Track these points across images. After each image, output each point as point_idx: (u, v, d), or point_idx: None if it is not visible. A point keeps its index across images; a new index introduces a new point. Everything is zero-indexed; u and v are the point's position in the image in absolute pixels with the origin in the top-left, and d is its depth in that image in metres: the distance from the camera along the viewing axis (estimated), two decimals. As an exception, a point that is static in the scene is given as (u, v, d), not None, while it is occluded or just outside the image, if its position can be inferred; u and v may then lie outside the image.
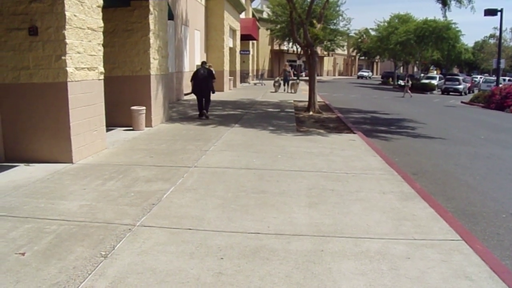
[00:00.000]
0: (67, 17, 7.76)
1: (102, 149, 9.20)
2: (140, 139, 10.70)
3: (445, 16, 20.24)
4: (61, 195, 6.15)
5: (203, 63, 15.77)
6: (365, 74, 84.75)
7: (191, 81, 15.31)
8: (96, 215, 5.39)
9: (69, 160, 8.03)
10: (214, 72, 15.56)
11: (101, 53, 9.11)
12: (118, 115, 11.91)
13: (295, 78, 36.24)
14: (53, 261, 4.13)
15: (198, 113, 15.25)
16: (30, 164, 7.84)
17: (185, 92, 22.87)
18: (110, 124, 10.84)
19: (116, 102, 11.78)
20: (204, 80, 14.75)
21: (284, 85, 31.18)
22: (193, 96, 21.92)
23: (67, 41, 7.82)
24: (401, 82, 47.69)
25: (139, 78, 12.36)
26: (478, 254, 4.52)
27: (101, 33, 9.09)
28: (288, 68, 32.56)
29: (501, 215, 6.36)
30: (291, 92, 29.53)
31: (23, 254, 4.27)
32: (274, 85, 31.21)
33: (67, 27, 7.78)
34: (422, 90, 43.67)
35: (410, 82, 36.54)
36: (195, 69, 23.49)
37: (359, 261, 4.29)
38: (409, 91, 34.83)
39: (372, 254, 4.46)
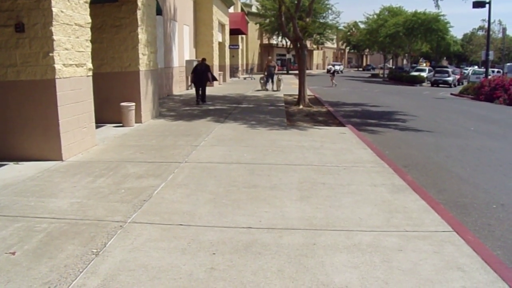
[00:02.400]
0: (54, 13, 7.67)
1: (92, 146, 9.14)
2: (130, 135, 10.64)
3: (437, 5, 20.25)
4: (51, 193, 6.11)
5: (203, 59, 18.88)
6: (336, 67, 68.63)
7: (191, 73, 18.81)
8: (87, 212, 5.36)
9: (59, 158, 7.97)
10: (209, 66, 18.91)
11: (89, 49, 9.04)
12: (107, 111, 11.84)
13: (285, 72, 36.12)
14: (44, 260, 4.09)
15: (188, 108, 15.77)
16: (20, 163, 7.78)
17: (180, 86, 22.84)
18: (100, 121, 10.76)
19: (105, 98, 11.71)
20: (203, 73, 18.03)
21: (269, 82, 27.44)
22: (183, 92, 22.46)
23: (55, 37, 7.74)
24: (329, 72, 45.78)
25: (128, 74, 12.28)
26: (470, 245, 4.54)
27: (89, 29, 9.01)
28: (273, 63, 28.39)
29: (492, 206, 6.39)
30: (275, 90, 26.43)
31: (13, 253, 4.23)
32: (260, 82, 28.09)
33: (54, 23, 7.70)
34: (411, 83, 43.88)
35: (334, 72, 37.18)
36: (184, 64, 23.90)
37: (351, 254, 4.30)
38: (333, 81, 35.36)
39: (364, 246, 4.47)
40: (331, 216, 5.35)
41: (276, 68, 28.96)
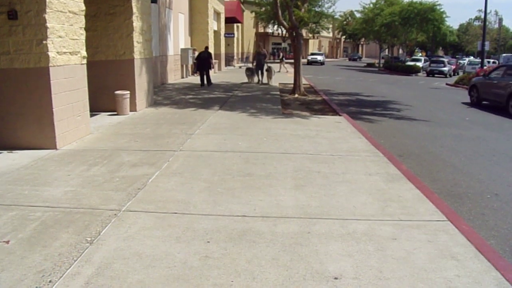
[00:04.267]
0: (47, 0, 7.59)
1: (86, 134, 9.10)
2: (124, 124, 10.60)
3: None
4: (45, 182, 6.08)
5: (206, 47, 21.99)
6: (319, 58, 61.61)
7: (195, 60, 22.27)
8: (81, 201, 5.34)
9: (53, 146, 7.93)
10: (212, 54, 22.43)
11: (83, 37, 8.96)
12: (102, 100, 11.78)
13: (281, 59, 35.77)
14: (38, 249, 4.08)
15: (183, 96, 15.96)
16: (13, 151, 7.73)
17: (175, 75, 22.78)
18: (94, 109, 10.71)
19: (100, 86, 11.64)
20: (205, 60, 20.82)
21: (258, 73, 23.47)
22: (178, 81, 22.69)
23: (48, 25, 7.66)
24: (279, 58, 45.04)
25: (122, 62, 12.21)
26: (464, 234, 4.56)
27: (83, 16, 8.92)
28: (263, 51, 24.25)
29: (486, 195, 6.41)
30: (265, 83, 23.03)
31: (7, 242, 4.21)
32: (246, 74, 23.97)
33: (47, 10, 7.61)
34: (407, 73, 43.85)
35: (283, 58, 37.44)
36: (179, 53, 23.96)
37: (345, 242, 4.31)
38: (284, 66, 35.31)
39: (358, 235, 4.48)
40: (326, 204, 5.35)
41: (266, 57, 24.91)
